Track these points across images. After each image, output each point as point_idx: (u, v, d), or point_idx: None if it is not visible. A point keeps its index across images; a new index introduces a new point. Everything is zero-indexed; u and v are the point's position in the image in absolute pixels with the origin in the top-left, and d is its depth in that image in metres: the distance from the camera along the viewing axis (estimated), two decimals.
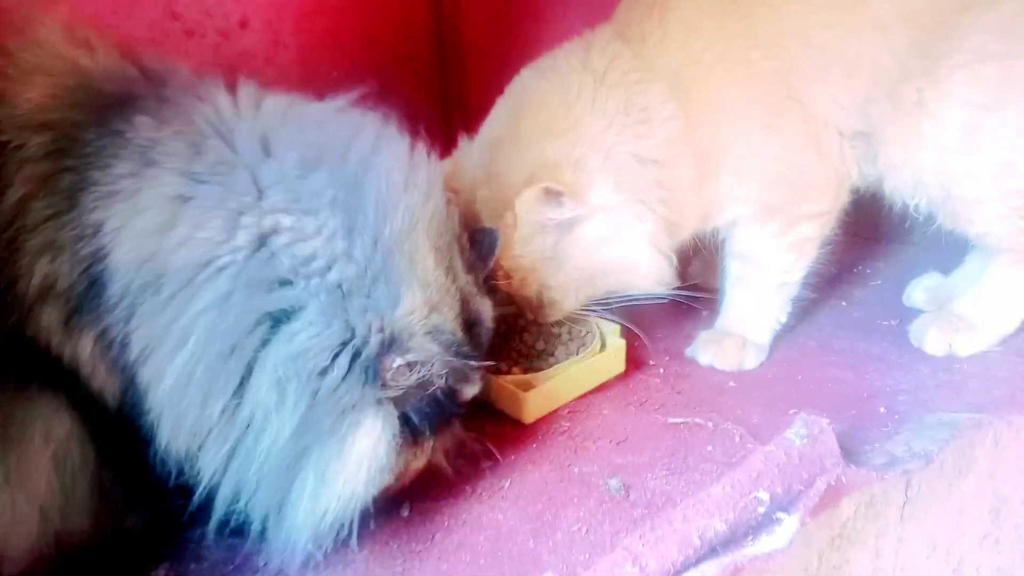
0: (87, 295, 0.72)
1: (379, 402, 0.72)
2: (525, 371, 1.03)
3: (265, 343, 0.71)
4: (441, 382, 0.75)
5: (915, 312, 1.16)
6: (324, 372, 0.71)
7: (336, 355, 0.71)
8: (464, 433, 0.85)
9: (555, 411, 1.01)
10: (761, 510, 0.77)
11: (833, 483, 0.81)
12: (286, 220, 0.74)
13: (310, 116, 0.81)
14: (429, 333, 0.75)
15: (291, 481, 0.71)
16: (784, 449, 0.81)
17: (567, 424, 0.99)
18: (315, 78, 1.21)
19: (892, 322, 1.19)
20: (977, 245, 1.10)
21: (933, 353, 1.09)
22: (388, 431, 0.73)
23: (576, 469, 0.90)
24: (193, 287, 0.71)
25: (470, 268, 0.87)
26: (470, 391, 0.81)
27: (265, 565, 0.79)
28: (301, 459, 0.71)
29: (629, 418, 0.99)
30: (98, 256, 0.72)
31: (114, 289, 0.72)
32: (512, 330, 1.10)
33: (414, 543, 0.81)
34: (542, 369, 1.03)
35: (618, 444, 0.94)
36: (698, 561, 0.72)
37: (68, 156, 0.72)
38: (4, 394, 0.70)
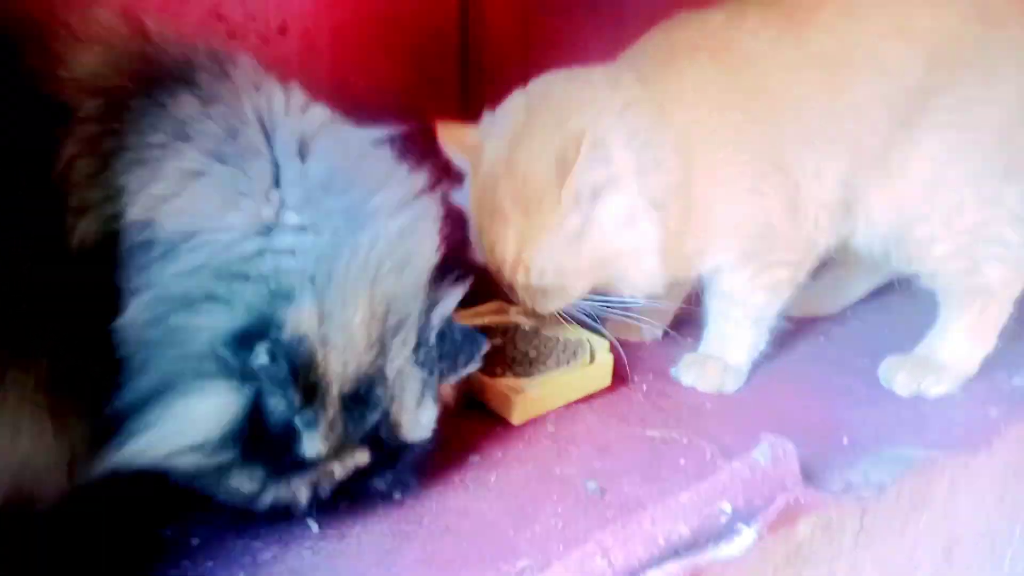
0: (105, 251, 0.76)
1: (238, 379, 0.72)
2: (517, 376, 1.09)
3: (185, 311, 0.74)
4: (282, 403, 0.73)
5: (887, 353, 1.23)
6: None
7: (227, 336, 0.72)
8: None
9: (542, 415, 1.07)
10: (723, 520, 0.84)
11: (792, 502, 0.88)
12: (291, 218, 0.76)
13: (353, 140, 0.83)
14: (300, 353, 0.72)
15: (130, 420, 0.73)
16: (749, 466, 0.88)
17: (553, 428, 1.05)
18: (345, 87, 1.28)
19: (865, 361, 1.26)
20: (930, 287, 1.19)
21: (902, 394, 1.16)
22: (223, 412, 0.73)
23: (558, 470, 0.96)
24: (176, 252, 0.74)
25: (420, 363, 0.83)
26: (308, 443, 0.76)
27: (265, 532, 0.85)
28: (147, 402, 0.73)
29: (611, 428, 1.06)
30: (117, 217, 0.75)
31: (123, 246, 0.75)
32: (507, 337, 1.17)
33: (403, 524, 0.87)
34: (533, 375, 1.10)
35: (598, 450, 1.00)
36: (662, 561, 0.79)
37: (114, 121, 0.76)
38: (56, 357, 0.73)
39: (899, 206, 1.12)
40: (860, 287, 1.44)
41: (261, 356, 0.71)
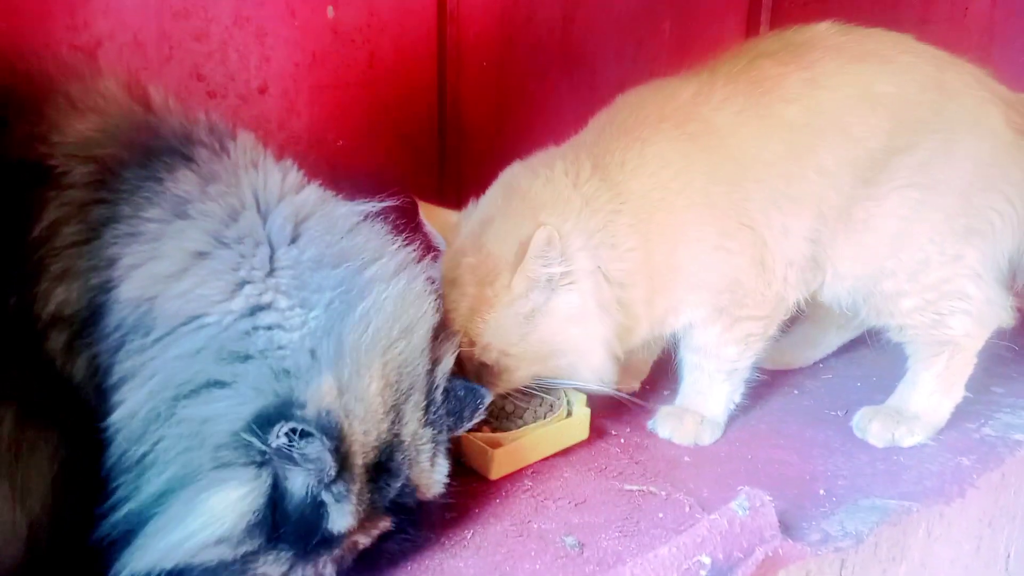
0: (88, 321, 0.76)
1: (257, 465, 0.72)
2: (494, 430, 1.09)
3: (191, 400, 0.74)
4: (312, 480, 0.72)
5: (860, 405, 1.24)
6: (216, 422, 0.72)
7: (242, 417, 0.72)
8: None
9: (520, 470, 1.06)
10: (703, 573, 0.83)
11: (771, 554, 0.88)
12: (283, 302, 0.77)
13: (344, 218, 0.85)
14: (329, 427, 0.72)
15: (150, 518, 0.72)
16: (727, 518, 0.88)
17: (530, 483, 1.04)
18: (323, 146, 1.31)
19: (839, 412, 1.28)
20: (898, 340, 1.22)
21: (876, 444, 1.18)
22: (246, 500, 0.71)
23: (536, 525, 0.95)
24: (175, 336, 0.75)
25: (431, 423, 0.84)
26: (339, 518, 0.75)
27: None
28: (165, 500, 0.72)
29: (589, 482, 1.05)
30: (105, 287, 0.76)
31: (111, 320, 0.76)
32: None
33: None
34: (510, 430, 1.09)
35: (576, 505, 1.00)
36: None
37: (105, 189, 0.77)
38: (18, 414, 0.73)
39: (865, 260, 1.16)
40: (832, 341, 1.46)
41: (281, 438, 0.70)
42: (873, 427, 1.19)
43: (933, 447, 1.18)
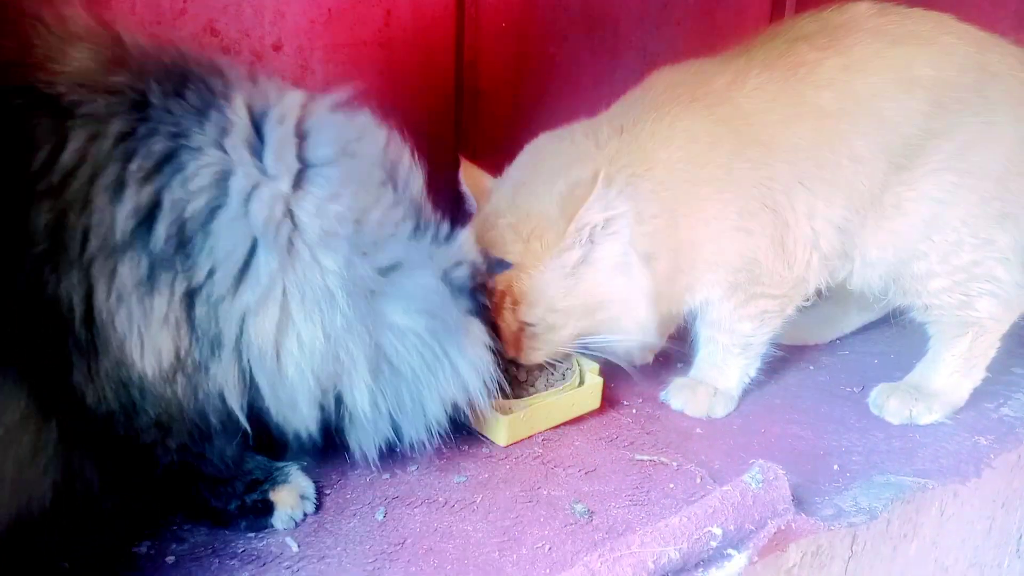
0: (179, 252, 0.75)
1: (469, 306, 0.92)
2: (505, 397, 1.08)
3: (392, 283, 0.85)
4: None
5: (876, 382, 1.23)
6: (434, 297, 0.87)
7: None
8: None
9: (530, 437, 1.06)
10: (713, 544, 0.83)
11: (783, 527, 0.87)
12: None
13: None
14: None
15: (433, 373, 0.88)
16: (740, 490, 0.87)
17: (540, 451, 1.04)
18: None
19: (855, 389, 1.26)
20: (922, 319, 1.20)
21: (893, 421, 1.16)
22: (481, 322, 0.93)
23: (545, 492, 0.95)
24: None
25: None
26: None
27: (243, 551, 0.83)
28: (440, 355, 0.88)
29: (599, 451, 1.04)
30: (195, 213, 0.75)
31: (221, 246, 0.76)
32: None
33: (386, 545, 0.85)
34: (522, 397, 1.08)
35: (586, 473, 0.99)
36: None
37: (156, 122, 0.75)
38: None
39: (896, 244, 1.14)
40: (852, 321, 1.44)
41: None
42: (891, 404, 1.17)
43: (950, 426, 1.16)
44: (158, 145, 0.75)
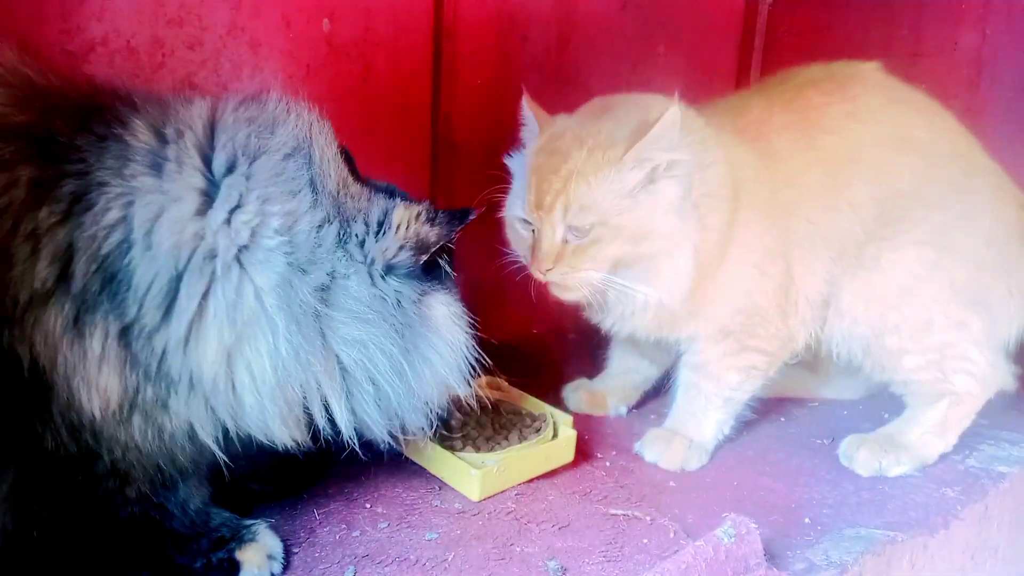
0: (103, 291, 0.73)
1: (424, 286, 0.88)
2: (478, 450, 1.08)
3: (328, 302, 0.82)
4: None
5: (845, 433, 1.24)
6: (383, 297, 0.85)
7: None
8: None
9: (503, 492, 1.05)
10: None
11: None
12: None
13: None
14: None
15: (412, 365, 0.86)
16: (712, 545, 0.87)
17: (514, 505, 1.03)
18: None
19: (825, 441, 1.27)
20: (901, 393, 1.23)
21: (862, 473, 1.17)
22: (444, 293, 0.90)
23: (518, 549, 0.94)
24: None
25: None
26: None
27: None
28: (411, 351, 0.86)
29: (573, 505, 1.04)
30: (111, 249, 0.73)
31: (141, 279, 0.74)
32: (470, 411, 1.15)
33: None
34: (495, 450, 1.08)
35: (560, 529, 0.98)
36: None
37: (62, 162, 0.73)
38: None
39: (868, 299, 1.17)
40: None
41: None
42: (860, 455, 1.18)
43: (918, 478, 1.18)
44: (67, 187, 0.73)
